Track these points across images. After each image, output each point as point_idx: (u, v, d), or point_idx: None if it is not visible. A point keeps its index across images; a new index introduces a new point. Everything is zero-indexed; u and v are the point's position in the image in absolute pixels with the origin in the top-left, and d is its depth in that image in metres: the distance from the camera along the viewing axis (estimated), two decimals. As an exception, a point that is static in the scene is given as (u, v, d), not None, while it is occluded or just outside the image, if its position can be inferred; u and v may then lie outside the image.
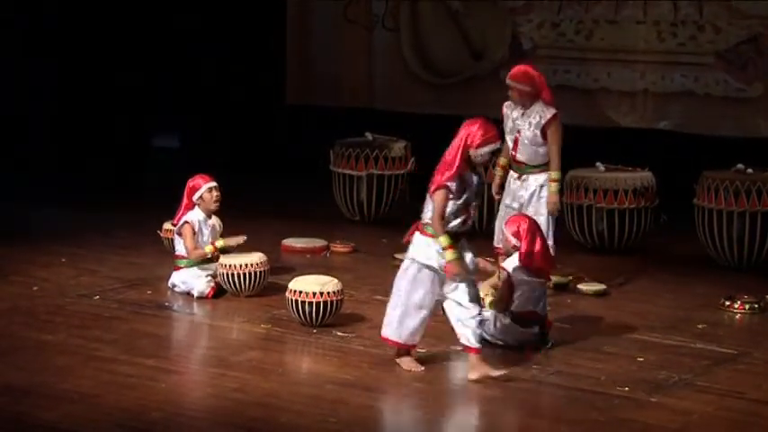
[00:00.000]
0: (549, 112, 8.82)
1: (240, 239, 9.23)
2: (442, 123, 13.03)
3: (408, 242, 7.41)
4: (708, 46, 11.97)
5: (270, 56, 14.24)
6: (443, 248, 7.15)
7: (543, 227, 8.55)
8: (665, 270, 10.13)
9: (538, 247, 7.88)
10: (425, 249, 7.26)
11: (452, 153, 7.25)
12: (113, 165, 13.31)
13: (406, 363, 7.43)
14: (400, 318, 7.37)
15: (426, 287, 7.31)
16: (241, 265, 8.87)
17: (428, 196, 7.22)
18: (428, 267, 7.27)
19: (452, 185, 7.14)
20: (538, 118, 8.82)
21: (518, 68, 8.98)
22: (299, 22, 14.13)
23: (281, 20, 14.16)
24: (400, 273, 7.43)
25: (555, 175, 8.80)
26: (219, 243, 9.13)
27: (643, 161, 10.98)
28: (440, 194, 7.12)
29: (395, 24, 13.65)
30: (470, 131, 7.24)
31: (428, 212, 7.22)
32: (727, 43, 11.89)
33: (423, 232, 7.28)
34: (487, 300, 8.02)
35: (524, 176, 8.91)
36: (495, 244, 8.94)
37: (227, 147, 14.24)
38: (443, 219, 7.13)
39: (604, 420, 6.64)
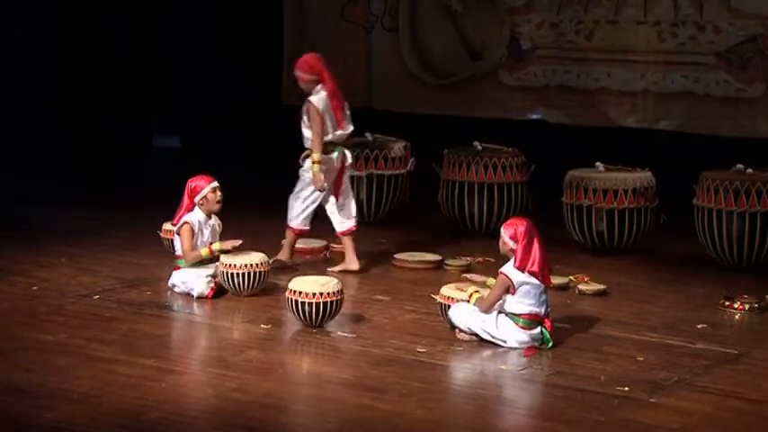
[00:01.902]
0: (310, 98, 9.50)
1: (237, 243, 9.22)
2: (440, 124, 13.16)
3: None
4: (708, 46, 11.98)
5: (269, 56, 14.24)
6: None
7: (299, 207, 9.63)
8: (665, 270, 10.13)
9: (534, 250, 7.84)
10: None
11: None
12: (113, 165, 13.30)
13: None
14: None
15: None
16: (242, 265, 8.87)
17: None
18: None
19: None
20: (306, 104, 9.53)
21: (301, 58, 9.72)
22: (296, 23, 14.12)
23: (278, 20, 14.16)
24: None
25: (316, 156, 9.45)
26: (216, 246, 9.11)
27: (643, 161, 10.98)
28: None
29: (394, 24, 13.66)
30: None
31: None
32: (727, 43, 11.90)
33: None
34: (475, 296, 8.00)
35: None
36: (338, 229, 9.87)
37: (227, 147, 14.25)
38: None
39: (604, 420, 6.64)
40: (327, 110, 9.53)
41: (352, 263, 9.83)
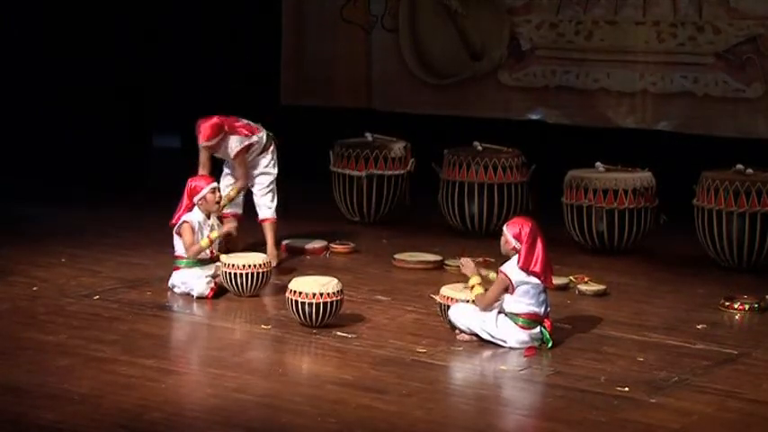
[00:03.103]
0: (233, 152, 9.84)
1: (232, 225, 9.25)
2: (440, 124, 13.15)
3: None
4: (707, 46, 11.98)
5: (268, 56, 14.23)
6: None
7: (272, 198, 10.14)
8: (665, 270, 10.13)
9: (538, 251, 7.84)
10: None
11: None
12: (113, 165, 13.30)
13: None
14: None
15: None
16: (243, 266, 8.88)
17: None
18: None
19: None
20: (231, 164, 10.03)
21: (204, 130, 9.73)
22: (296, 23, 14.11)
23: (278, 20, 14.15)
24: None
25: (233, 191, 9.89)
26: (214, 234, 9.12)
27: (643, 161, 10.99)
28: None
29: (394, 24, 13.65)
30: None
31: None
32: (726, 43, 11.89)
33: None
34: (477, 289, 7.99)
35: None
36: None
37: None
38: None
39: (604, 420, 6.64)
40: (244, 142, 9.86)
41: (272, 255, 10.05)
